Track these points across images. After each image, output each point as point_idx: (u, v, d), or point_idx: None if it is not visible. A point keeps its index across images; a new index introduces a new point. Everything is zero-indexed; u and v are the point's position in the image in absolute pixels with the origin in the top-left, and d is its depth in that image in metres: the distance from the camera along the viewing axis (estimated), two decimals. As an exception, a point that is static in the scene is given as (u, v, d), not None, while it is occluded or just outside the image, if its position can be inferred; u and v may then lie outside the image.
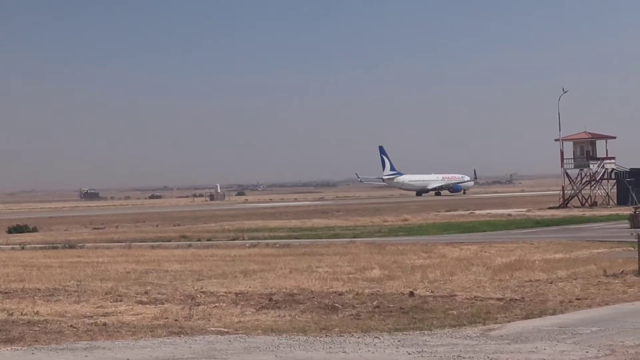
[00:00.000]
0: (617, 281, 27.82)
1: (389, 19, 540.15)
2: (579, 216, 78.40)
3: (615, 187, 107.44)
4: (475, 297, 25.50)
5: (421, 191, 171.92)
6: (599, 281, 27.98)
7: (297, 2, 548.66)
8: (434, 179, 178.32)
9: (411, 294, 26.40)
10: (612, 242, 45.33)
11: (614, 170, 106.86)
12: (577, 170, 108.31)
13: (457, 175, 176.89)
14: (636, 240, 31.73)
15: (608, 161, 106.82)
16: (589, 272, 30.45)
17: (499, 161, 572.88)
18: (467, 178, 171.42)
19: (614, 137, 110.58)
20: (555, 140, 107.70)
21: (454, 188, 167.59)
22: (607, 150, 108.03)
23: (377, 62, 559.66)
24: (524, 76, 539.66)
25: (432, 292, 26.88)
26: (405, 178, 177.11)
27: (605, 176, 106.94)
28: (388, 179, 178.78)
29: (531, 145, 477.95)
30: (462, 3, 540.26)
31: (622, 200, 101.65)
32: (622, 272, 29.85)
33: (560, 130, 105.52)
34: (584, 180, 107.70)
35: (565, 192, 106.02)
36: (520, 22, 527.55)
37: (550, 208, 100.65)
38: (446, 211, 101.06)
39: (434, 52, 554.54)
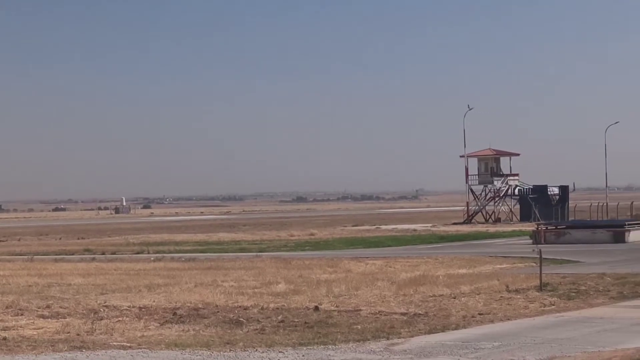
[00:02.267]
0: (519, 296, 28.18)
1: (294, 31, 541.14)
2: (483, 232, 79.36)
3: (518, 203, 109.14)
4: (379, 311, 25.60)
5: None
6: (501, 296, 28.31)
7: (190, 21, 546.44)
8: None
9: (316, 308, 26.42)
10: (514, 258, 45.94)
11: (518, 187, 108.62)
12: (482, 187, 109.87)
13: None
14: (538, 256, 32.22)
15: (512, 178, 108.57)
16: (492, 287, 30.79)
17: (405, 177, 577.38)
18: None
19: (518, 154, 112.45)
20: (460, 156, 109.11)
21: None
22: (511, 167, 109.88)
23: (286, 74, 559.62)
24: (430, 93, 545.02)
25: (337, 306, 26.91)
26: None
27: (509, 192, 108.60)
28: None
29: (437, 162, 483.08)
30: (372, 19, 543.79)
31: (525, 217, 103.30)
32: (524, 287, 30.24)
33: (465, 146, 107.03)
34: (488, 197, 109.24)
35: (470, 208, 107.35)
36: (429, 39, 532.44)
37: (454, 223, 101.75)
38: (352, 226, 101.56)
39: (343, 66, 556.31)
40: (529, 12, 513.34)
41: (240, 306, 27.32)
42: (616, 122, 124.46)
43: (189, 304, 27.96)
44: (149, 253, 59.88)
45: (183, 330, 23.29)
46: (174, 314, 25.95)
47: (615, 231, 59.27)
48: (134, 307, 27.72)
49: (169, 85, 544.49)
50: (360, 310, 26.01)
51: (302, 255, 53.54)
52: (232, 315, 25.30)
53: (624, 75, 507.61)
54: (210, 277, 37.58)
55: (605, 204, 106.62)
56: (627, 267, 36.94)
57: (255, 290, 32.14)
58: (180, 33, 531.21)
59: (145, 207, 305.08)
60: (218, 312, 26.18)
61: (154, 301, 29.13)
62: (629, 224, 62.08)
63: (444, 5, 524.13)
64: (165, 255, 56.65)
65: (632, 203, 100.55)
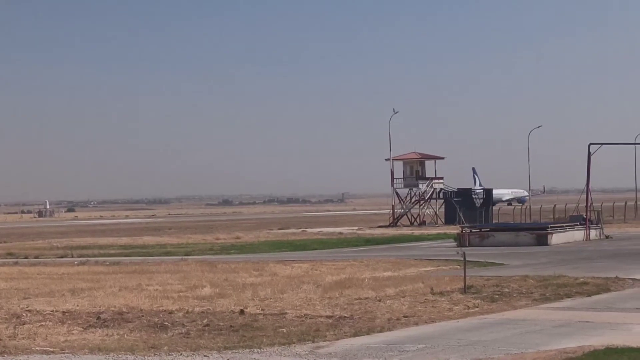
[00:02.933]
0: (443, 299, 28.41)
1: (226, 29, 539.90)
2: (408, 235, 79.80)
3: (443, 206, 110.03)
4: (305, 314, 25.63)
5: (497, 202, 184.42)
6: (426, 299, 28.51)
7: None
8: (506, 192, 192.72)
9: (242, 312, 26.36)
10: (439, 261, 46.27)
11: (442, 190, 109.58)
12: (407, 190, 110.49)
13: (520, 190, 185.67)
14: (462, 258, 32.51)
15: (436, 181, 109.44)
16: (417, 290, 30.99)
17: (331, 180, 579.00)
18: (525, 193, 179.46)
19: (443, 158, 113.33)
20: (386, 160, 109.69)
21: (521, 200, 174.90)
22: (435, 170, 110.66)
23: (206, 73, 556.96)
24: (356, 96, 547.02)
25: (262, 310, 26.89)
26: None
27: (434, 196, 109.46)
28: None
29: (363, 165, 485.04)
30: (300, 18, 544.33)
31: (449, 220, 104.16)
32: (448, 290, 30.50)
33: (390, 150, 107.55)
34: (413, 200, 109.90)
35: (395, 211, 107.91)
36: (355, 40, 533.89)
37: (380, 226, 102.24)
38: (278, 229, 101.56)
39: (267, 67, 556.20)
40: (454, 15, 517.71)
41: (165, 310, 27.17)
42: (539, 126, 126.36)
43: (113, 308, 27.74)
44: (72, 257, 59.26)
45: (107, 334, 23.09)
46: (98, 318, 25.72)
47: (538, 234, 59.99)
48: (57, 311, 27.42)
49: (94, 84, 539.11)
50: (285, 313, 26.01)
51: (228, 259, 53.39)
52: (156, 319, 25.15)
53: (547, 80, 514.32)
54: (135, 281, 37.31)
55: (528, 206, 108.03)
56: (550, 270, 37.42)
57: (181, 294, 31.98)
58: (103, 33, 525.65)
59: (70, 210, 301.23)
60: (142, 316, 26.00)
61: (77, 305, 28.84)
62: (551, 227, 62.90)
63: (371, 5, 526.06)
64: (89, 259, 56.10)
65: (554, 206, 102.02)
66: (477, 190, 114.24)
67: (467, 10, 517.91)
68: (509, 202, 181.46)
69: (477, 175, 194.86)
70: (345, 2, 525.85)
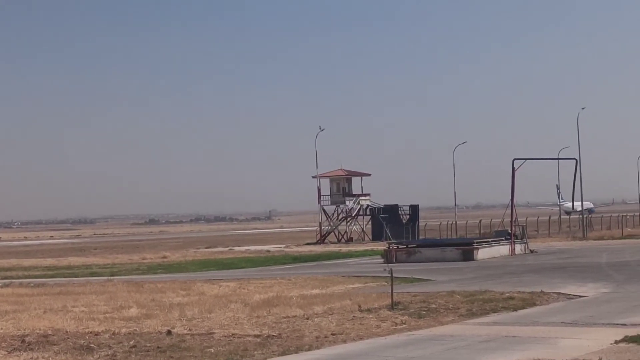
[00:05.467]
0: (371, 316, 28.46)
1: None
2: (336, 252, 79.90)
3: (370, 223, 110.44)
4: (232, 334, 25.50)
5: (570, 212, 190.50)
6: (353, 316, 28.53)
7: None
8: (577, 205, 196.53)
9: (169, 332, 26.16)
10: (367, 277, 46.38)
11: (369, 207, 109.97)
12: (334, 207, 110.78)
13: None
14: (389, 275, 32.62)
15: (363, 198, 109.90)
16: (344, 307, 31.01)
17: (258, 198, 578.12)
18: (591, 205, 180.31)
19: (369, 175, 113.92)
20: (313, 177, 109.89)
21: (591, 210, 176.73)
22: (362, 187, 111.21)
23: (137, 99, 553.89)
24: (283, 113, 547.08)
25: (190, 330, 26.71)
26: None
27: (361, 212, 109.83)
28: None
29: (290, 182, 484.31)
30: (226, 34, 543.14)
31: (376, 236, 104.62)
32: (376, 306, 30.57)
33: (317, 167, 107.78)
34: (340, 217, 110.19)
35: (323, 228, 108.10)
36: (283, 58, 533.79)
37: (308, 244, 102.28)
38: (206, 248, 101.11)
39: (191, 87, 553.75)
40: (368, 31, 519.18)
41: (91, 332, 26.86)
42: (464, 142, 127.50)
43: (38, 331, 27.36)
44: (-4, 279, 58.38)
45: (32, 358, 22.77)
46: (23, 341, 25.35)
47: (464, 249, 60.47)
48: (-20, 335, 26.96)
49: (15, 104, 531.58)
50: (213, 333, 25.87)
51: (155, 279, 53.01)
52: (82, 341, 24.85)
53: (471, 97, 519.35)
54: (60, 303, 36.85)
55: (454, 222, 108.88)
56: (476, 285, 37.71)
57: (107, 315, 31.65)
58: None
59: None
60: (68, 338, 25.69)
61: (1, 329, 28.42)
62: (477, 242, 63.44)
63: (293, 21, 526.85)
64: (13, 281, 55.32)
65: (480, 221, 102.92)
66: (569, 205, 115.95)
67: (384, 24, 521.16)
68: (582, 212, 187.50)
69: (559, 191, 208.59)
70: (266, 15, 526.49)
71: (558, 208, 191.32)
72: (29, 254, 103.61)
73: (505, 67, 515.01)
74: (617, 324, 24.30)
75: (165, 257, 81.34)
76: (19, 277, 59.22)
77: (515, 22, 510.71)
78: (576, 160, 74.75)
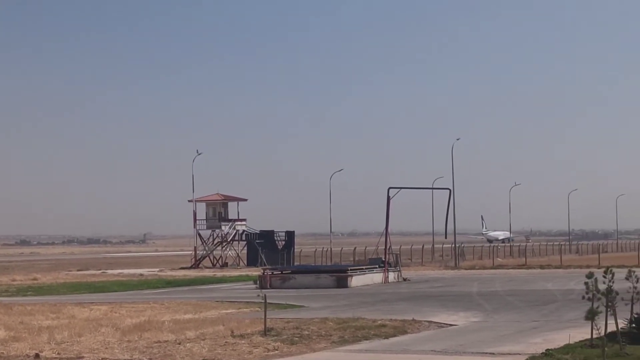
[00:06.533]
0: (243, 342, 28.37)
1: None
2: (210, 276, 79.56)
3: (246, 248, 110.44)
4: (102, 358, 25.17)
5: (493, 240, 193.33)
6: (226, 342, 28.41)
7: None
8: (500, 233, 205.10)
9: (37, 356, 25.67)
10: (240, 303, 46.26)
11: (245, 232, 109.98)
12: (210, 231, 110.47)
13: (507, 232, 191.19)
14: (263, 301, 32.60)
15: (239, 223, 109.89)
16: (217, 332, 30.86)
17: (133, 220, 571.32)
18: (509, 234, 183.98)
19: (246, 200, 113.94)
20: (189, 201, 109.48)
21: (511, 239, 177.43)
22: (238, 212, 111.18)
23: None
24: (160, 135, 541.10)
25: (58, 354, 26.25)
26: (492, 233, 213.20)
27: (237, 237, 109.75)
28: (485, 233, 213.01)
29: (166, 206, 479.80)
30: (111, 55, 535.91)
31: (252, 261, 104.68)
32: (249, 332, 30.51)
33: (194, 191, 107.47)
34: (215, 241, 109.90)
35: (198, 252, 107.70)
36: (161, 79, 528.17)
37: (182, 268, 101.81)
38: (78, 270, 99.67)
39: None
40: (250, 58, 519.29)
41: (-45, 355, 26.20)
42: (340, 170, 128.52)
43: None
44: None
45: None
46: None
47: (339, 276, 60.78)
48: None
49: None
50: (82, 357, 25.48)
51: (24, 301, 51.96)
52: (-55, 365, 24.21)
53: (348, 124, 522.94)
54: None
55: (329, 249, 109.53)
56: (349, 312, 37.93)
57: (-27, 337, 30.87)
58: None
59: None
60: None
61: None
62: (351, 269, 63.87)
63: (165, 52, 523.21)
64: None
65: (354, 248, 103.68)
66: (498, 235, 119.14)
67: (279, 49, 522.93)
68: (503, 240, 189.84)
69: (484, 221, 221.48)
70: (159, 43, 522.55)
71: (482, 237, 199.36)
72: None
73: (386, 94, 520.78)
74: (486, 353, 24.72)
75: (35, 279, 79.82)
76: None
77: (401, 49, 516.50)
78: (450, 190, 75.89)
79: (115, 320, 36.50)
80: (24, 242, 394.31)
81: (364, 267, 66.32)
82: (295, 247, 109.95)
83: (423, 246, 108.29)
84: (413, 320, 34.11)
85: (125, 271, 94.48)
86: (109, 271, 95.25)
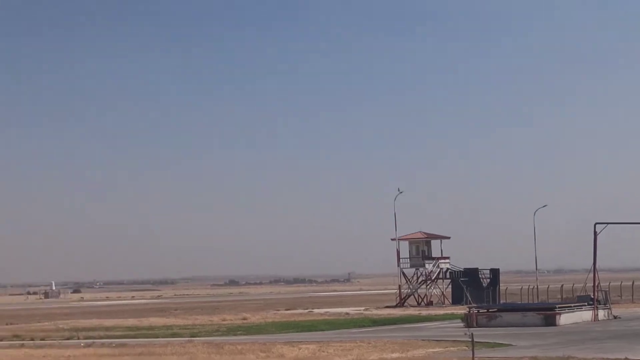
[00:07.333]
0: (451, 380, 28.30)
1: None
2: (415, 315, 79.50)
3: (450, 286, 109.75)
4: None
5: None
6: (434, 380, 28.40)
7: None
8: None
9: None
10: (447, 342, 46.06)
11: (449, 270, 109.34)
12: (413, 270, 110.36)
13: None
14: (470, 339, 32.43)
15: (443, 261, 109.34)
16: (425, 371, 30.86)
17: (336, 260, 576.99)
18: None
19: (448, 237, 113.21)
20: (392, 239, 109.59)
21: None
22: (442, 250, 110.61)
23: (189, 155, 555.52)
24: (360, 174, 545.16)
25: (270, 392, 26.79)
26: None
27: (441, 275, 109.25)
28: None
29: (368, 245, 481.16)
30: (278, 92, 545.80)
31: (456, 300, 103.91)
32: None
33: (396, 230, 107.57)
34: (419, 280, 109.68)
35: (402, 291, 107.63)
36: (352, 116, 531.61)
37: (387, 307, 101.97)
38: (285, 309, 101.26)
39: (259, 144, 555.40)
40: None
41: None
42: (544, 206, 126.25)
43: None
44: (78, 339, 59.01)
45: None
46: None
47: (546, 314, 59.73)
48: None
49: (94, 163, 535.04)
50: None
51: (235, 340, 53.19)
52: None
53: (551, 154, 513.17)
54: (142, 363, 37.16)
55: (535, 286, 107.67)
56: (559, 351, 37.26)
57: (188, 376, 31.85)
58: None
59: (75, 291, 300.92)
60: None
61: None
62: (559, 307, 62.63)
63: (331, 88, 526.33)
64: (95, 340, 55.89)
65: (562, 286, 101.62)
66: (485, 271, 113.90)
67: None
68: None
69: None
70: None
71: None
72: (111, 314, 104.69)
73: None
74: None
75: (245, 318, 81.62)
76: (100, 337, 59.80)
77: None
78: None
79: (323, 359, 36.94)
80: (232, 282, 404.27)
81: (572, 305, 64.91)
82: (500, 284, 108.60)
83: (633, 282, 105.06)
84: (625, 358, 33.24)
85: (331, 310, 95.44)
86: (315, 310, 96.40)
